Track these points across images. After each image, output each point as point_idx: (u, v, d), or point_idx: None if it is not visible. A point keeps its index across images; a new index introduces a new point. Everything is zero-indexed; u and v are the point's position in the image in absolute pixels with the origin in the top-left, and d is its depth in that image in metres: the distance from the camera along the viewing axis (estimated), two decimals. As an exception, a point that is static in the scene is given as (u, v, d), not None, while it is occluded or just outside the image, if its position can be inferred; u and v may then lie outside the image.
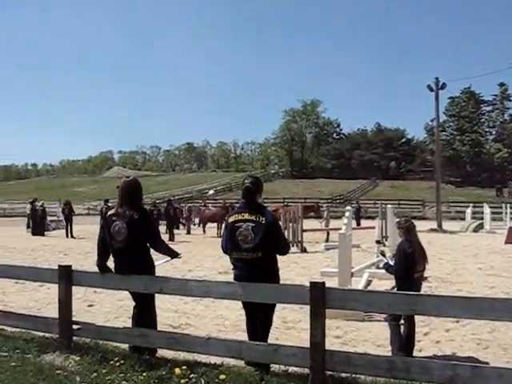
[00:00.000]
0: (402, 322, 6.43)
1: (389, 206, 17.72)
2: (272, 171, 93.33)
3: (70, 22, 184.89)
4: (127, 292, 6.19)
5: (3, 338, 6.18)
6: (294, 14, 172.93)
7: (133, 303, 6.01)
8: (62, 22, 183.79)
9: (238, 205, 6.12)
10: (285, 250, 5.58)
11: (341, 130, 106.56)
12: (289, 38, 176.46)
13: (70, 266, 5.94)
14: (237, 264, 5.37)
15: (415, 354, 6.42)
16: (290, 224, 19.35)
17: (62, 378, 4.95)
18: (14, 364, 5.28)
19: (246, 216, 5.29)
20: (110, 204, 24.41)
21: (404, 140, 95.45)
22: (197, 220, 33.35)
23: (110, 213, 5.71)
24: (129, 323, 6.18)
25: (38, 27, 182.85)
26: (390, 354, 6.25)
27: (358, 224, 29.08)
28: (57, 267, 6.00)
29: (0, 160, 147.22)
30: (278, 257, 5.52)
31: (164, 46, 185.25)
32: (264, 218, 5.25)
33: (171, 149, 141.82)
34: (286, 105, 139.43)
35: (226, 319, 8.32)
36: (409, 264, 6.29)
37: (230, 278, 5.64)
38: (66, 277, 5.82)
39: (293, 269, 13.42)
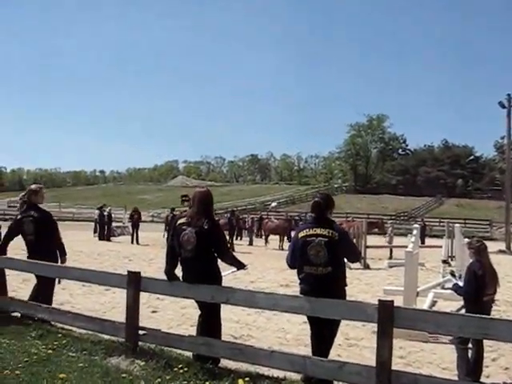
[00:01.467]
0: (470, 345, 6.24)
1: (456, 225, 17.32)
2: (335, 185, 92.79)
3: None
4: (191, 300, 6.23)
5: (71, 339, 6.29)
6: (361, 28, 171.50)
7: (196, 311, 6.05)
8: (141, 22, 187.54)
9: (298, 217, 6.13)
10: (357, 258, 5.70)
11: (407, 145, 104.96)
12: (356, 52, 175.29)
13: (139, 273, 6.00)
14: (306, 278, 5.30)
15: (482, 379, 6.22)
16: (354, 239, 19.16)
17: (127, 381, 5.02)
18: (81, 365, 5.38)
19: (318, 231, 5.24)
20: (175, 212, 24.74)
21: (472, 157, 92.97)
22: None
23: (180, 221, 5.74)
24: (191, 331, 6.23)
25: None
26: (455, 378, 6.06)
27: (423, 242, 28.50)
28: (124, 272, 6.09)
29: (70, 166, 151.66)
30: None
31: (228, 55, 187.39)
32: (337, 234, 5.22)
33: (235, 160, 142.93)
34: (351, 119, 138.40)
35: (287, 333, 8.30)
36: (479, 286, 6.11)
37: (292, 291, 5.64)
38: (135, 283, 5.89)
39: (355, 285, 13.24)
